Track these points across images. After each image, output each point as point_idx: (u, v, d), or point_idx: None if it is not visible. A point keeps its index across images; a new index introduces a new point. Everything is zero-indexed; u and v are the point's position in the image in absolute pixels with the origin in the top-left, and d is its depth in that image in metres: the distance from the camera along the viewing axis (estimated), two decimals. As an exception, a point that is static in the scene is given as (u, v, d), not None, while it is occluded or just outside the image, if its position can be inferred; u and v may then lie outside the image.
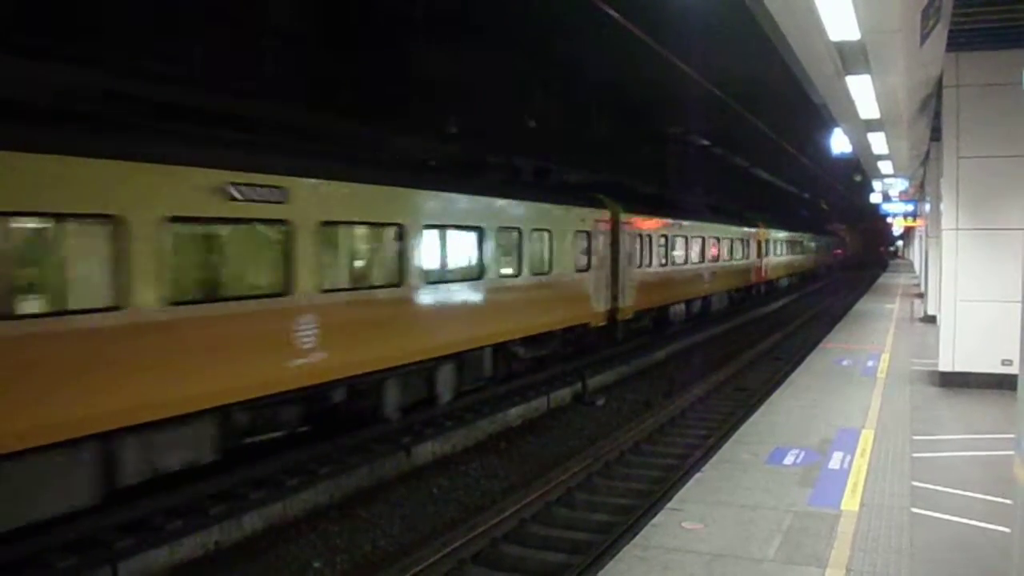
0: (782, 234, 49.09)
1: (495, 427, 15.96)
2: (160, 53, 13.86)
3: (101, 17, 13.27)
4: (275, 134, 13.09)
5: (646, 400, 18.90)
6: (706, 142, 39.45)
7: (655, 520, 8.68)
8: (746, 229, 39.42)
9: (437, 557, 9.59)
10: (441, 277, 15.23)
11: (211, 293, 10.74)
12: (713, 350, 26.91)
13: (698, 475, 10.32)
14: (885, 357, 19.42)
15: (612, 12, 17.03)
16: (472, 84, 21.79)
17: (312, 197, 12.00)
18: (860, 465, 10.41)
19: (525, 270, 17.95)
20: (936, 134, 20.25)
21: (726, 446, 11.70)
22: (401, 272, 13.98)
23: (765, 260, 43.74)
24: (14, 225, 8.60)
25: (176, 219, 10.02)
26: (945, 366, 15.86)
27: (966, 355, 15.51)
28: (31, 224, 8.91)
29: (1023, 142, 14.55)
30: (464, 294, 15.87)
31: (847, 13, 9.13)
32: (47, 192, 8.68)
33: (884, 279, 59.28)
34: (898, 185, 36.11)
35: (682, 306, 29.49)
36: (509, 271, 17.53)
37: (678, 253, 28.82)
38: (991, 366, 14.77)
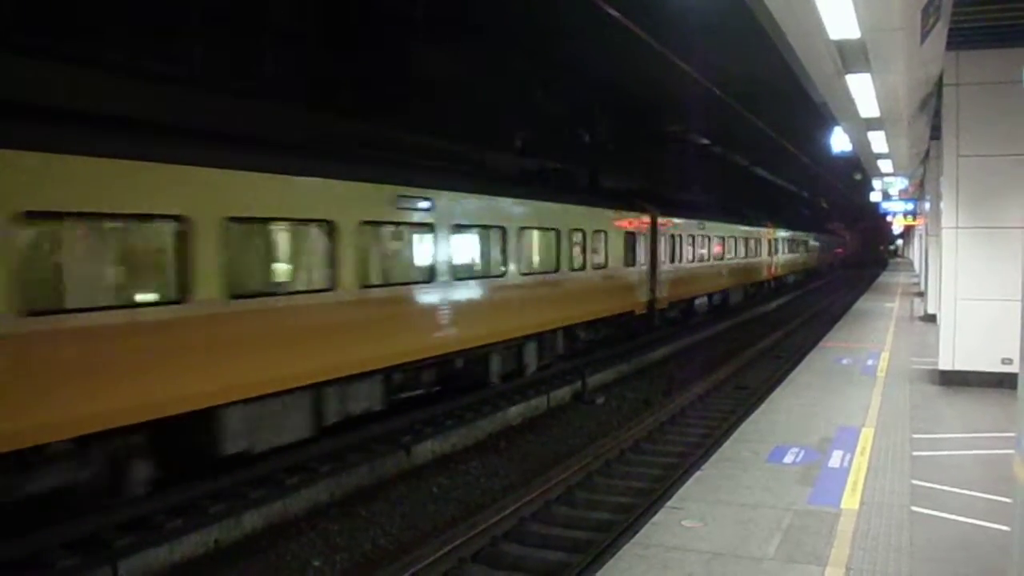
0: (789, 234, 51.88)
1: (495, 426, 15.96)
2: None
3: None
4: (418, 155, 16.20)
5: (646, 399, 18.91)
6: (706, 141, 39.48)
7: (655, 518, 8.68)
8: (759, 230, 42.17)
9: (437, 555, 9.59)
10: (529, 270, 18.43)
11: (385, 279, 13.87)
12: (713, 348, 26.93)
13: (698, 473, 10.32)
14: (885, 356, 19.43)
15: (613, 11, 17.03)
16: (472, 83, 21.80)
17: (448, 207, 15.14)
18: (860, 463, 10.42)
19: (588, 265, 21.21)
20: (936, 132, 20.24)
21: (726, 444, 11.70)
22: (504, 265, 17.17)
23: (775, 258, 46.72)
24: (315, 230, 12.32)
25: (366, 223, 13.04)
26: (945, 365, 15.85)
27: (966, 354, 15.50)
28: (306, 229, 12.30)
29: (1023, 141, 14.55)
30: (545, 285, 19.04)
31: (847, 11, 9.14)
32: (321, 206, 12.26)
33: (884, 278, 59.30)
34: (898, 184, 36.14)
35: (705, 298, 32.79)
36: (577, 266, 20.63)
37: (703, 252, 31.93)
38: (991, 365, 14.77)
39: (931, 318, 24.37)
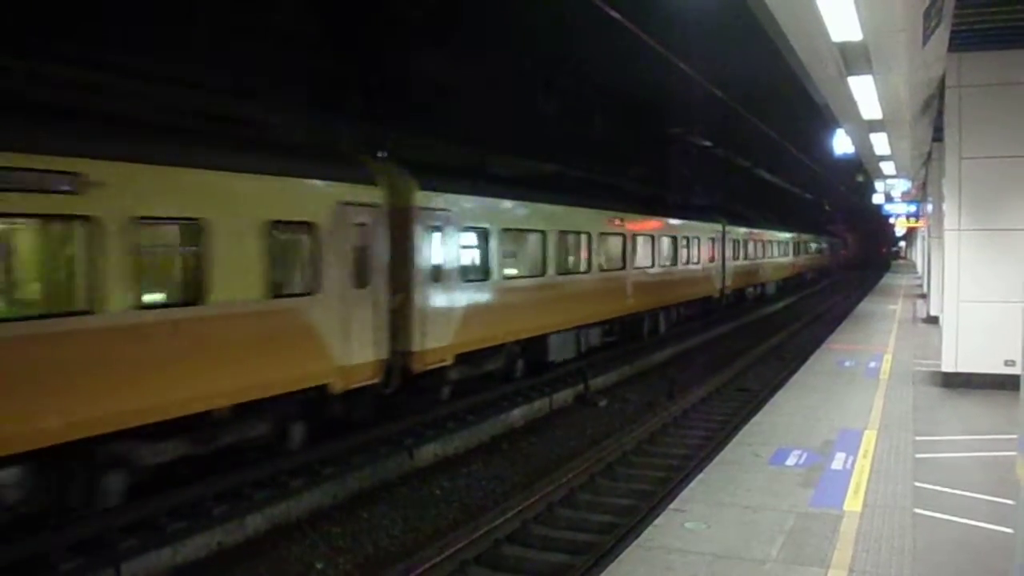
0: (807, 237, 60.33)
1: (497, 428, 15.96)
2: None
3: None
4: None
5: (648, 401, 18.90)
6: (708, 143, 39.48)
7: (658, 521, 8.68)
8: (788, 235, 51.46)
9: (439, 558, 9.58)
10: (660, 263, 26.75)
11: (514, 273, 18.24)
12: (716, 351, 26.92)
13: (701, 476, 10.32)
14: (888, 358, 19.41)
15: (615, 14, 17.04)
16: (474, 85, 21.82)
17: (635, 223, 23.69)
18: (863, 466, 10.41)
19: (690, 262, 30.05)
20: (938, 134, 20.24)
21: (729, 447, 11.70)
22: (652, 261, 25.91)
23: (798, 258, 55.60)
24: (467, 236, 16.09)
25: (506, 230, 17.35)
26: (948, 367, 15.85)
27: (969, 356, 15.50)
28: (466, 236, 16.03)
29: (1025, 142, 14.56)
30: (668, 274, 27.57)
31: (849, 14, 9.16)
32: (470, 220, 16.12)
33: (887, 280, 59.26)
34: (900, 186, 36.14)
35: (751, 289, 41.76)
36: (684, 262, 29.34)
37: (752, 252, 40.58)
38: (994, 367, 14.76)
39: (934, 320, 24.36)
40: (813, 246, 64.04)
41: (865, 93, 13.95)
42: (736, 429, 13.89)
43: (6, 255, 8.71)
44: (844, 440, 11.67)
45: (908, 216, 45.10)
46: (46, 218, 8.90)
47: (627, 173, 32.26)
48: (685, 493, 9.63)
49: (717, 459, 11.09)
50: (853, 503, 8.98)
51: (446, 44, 20.09)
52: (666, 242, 27.17)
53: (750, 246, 40.33)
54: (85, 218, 8.93)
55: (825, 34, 10.03)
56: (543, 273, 18.71)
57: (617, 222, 22.74)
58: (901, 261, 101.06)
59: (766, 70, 21.20)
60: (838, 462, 10.57)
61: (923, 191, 36.76)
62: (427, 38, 20.10)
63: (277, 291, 11.51)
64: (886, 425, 12.61)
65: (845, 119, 18.31)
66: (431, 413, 15.22)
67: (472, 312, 15.80)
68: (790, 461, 10.65)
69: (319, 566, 9.93)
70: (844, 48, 10.91)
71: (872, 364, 18.43)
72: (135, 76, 13.24)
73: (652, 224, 25.81)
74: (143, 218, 9.61)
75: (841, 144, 24.62)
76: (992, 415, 13.54)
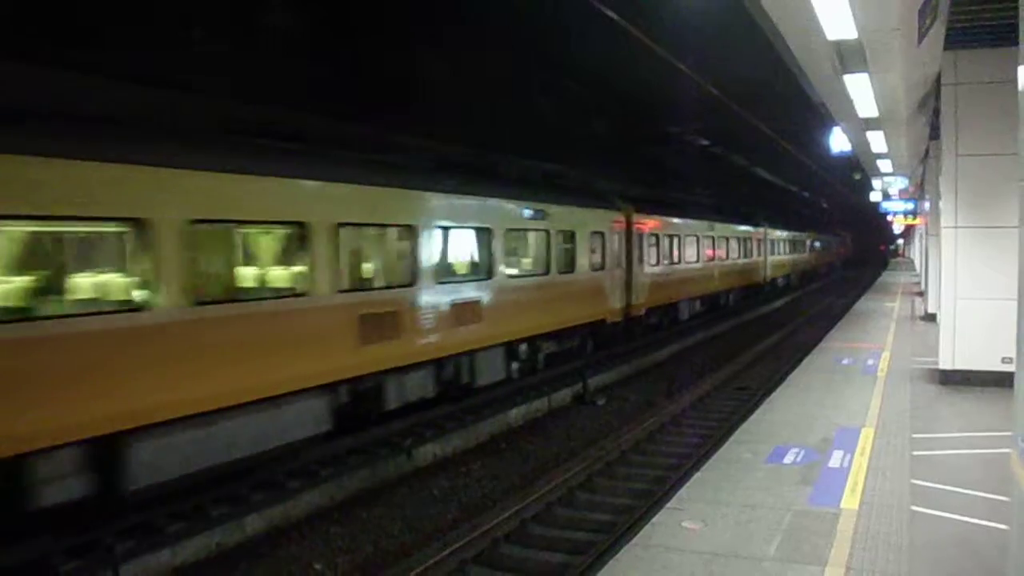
0: (815, 235, 65.72)
1: (496, 428, 15.98)
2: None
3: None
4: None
5: (647, 400, 18.91)
6: (705, 142, 39.52)
7: (655, 519, 8.70)
8: (804, 234, 59.02)
9: (438, 558, 9.61)
10: (730, 259, 35.95)
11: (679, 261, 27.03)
12: (714, 349, 26.94)
13: (698, 475, 10.34)
14: (886, 355, 19.43)
15: (610, 13, 17.05)
16: (470, 85, 21.82)
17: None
18: (860, 464, 10.43)
19: (746, 257, 38.72)
20: (935, 132, 20.26)
21: (726, 445, 11.71)
22: (732, 254, 36.07)
23: (810, 255, 62.35)
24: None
25: (674, 235, 26.88)
26: (945, 364, 15.86)
27: (966, 353, 15.51)
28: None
29: (1022, 139, 14.54)
30: (722, 268, 34.38)
31: (844, 12, 9.15)
32: (659, 231, 25.80)
33: (885, 277, 59.33)
34: (898, 183, 36.09)
35: (782, 279, 49.40)
36: (743, 256, 38.02)
37: (783, 249, 49.26)
38: (991, 364, 14.76)
39: (931, 318, 24.37)
40: (821, 243, 68.47)
41: (861, 91, 13.94)
42: (734, 427, 13.91)
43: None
44: (842, 438, 11.69)
45: (906, 214, 45.06)
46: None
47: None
48: (683, 492, 9.65)
49: (715, 457, 11.11)
50: (850, 501, 9.00)
51: (444, 45, 20.09)
52: (728, 243, 35.55)
53: (786, 245, 46.04)
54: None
55: (820, 32, 10.03)
56: (696, 262, 30.60)
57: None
58: (899, 259, 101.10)
59: (762, 69, 21.19)
60: (835, 460, 10.59)
61: (921, 189, 36.77)
62: (426, 39, 20.10)
63: (593, 268, 21.22)
64: (883, 423, 12.63)
65: (842, 117, 18.29)
66: (429, 413, 15.23)
67: (656, 283, 25.98)
68: (788, 459, 10.66)
69: (318, 567, 9.95)
70: (840, 46, 10.91)
71: (870, 362, 18.44)
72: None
73: (711, 229, 33.11)
74: (561, 231, 19.50)
75: (838, 142, 24.57)
76: (990, 412, 13.55)
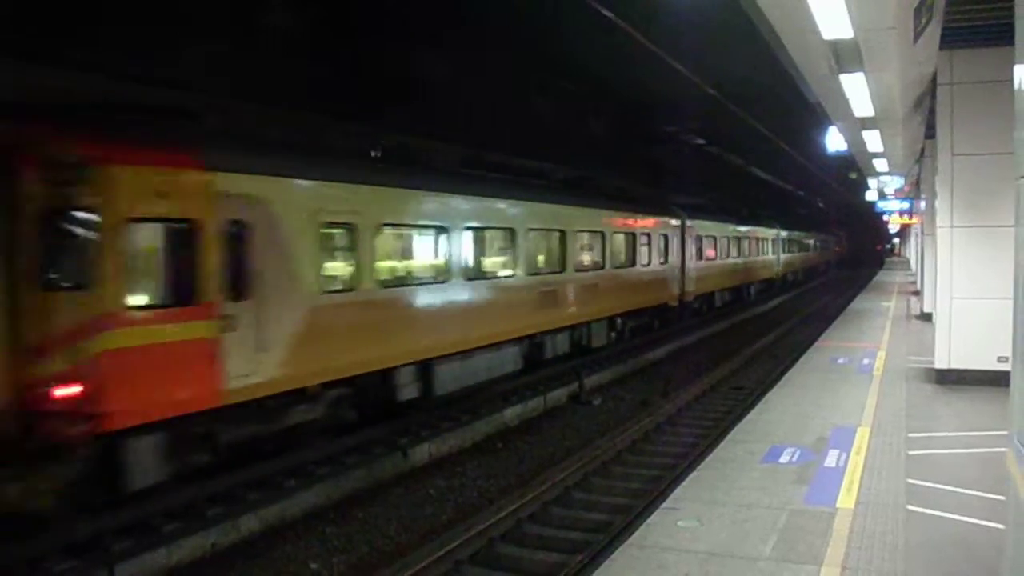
0: (818, 235, 71.54)
1: (492, 428, 15.98)
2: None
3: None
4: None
5: (643, 399, 18.91)
6: (701, 141, 39.55)
7: (651, 519, 8.71)
8: (807, 234, 64.10)
9: (434, 557, 9.60)
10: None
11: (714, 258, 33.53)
12: (710, 349, 26.98)
13: (694, 474, 10.35)
14: (881, 355, 19.44)
15: (607, 12, 17.04)
16: (468, 84, 21.81)
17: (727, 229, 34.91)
18: (856, 463, 10.44)
19: (763, 255, 44.08)
20: (931, 131, 20.26)
21: (722, 445, 11.72)
22: (764, 254, 44.60)
23: (812, 253, 67.84)
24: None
25: (710, 235, 33.01)
26: (941, 363, 15.87)
27: (962, 352, 15.52)
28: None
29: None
30: (747, 264, 39.83)
31: (840, 11, 9.15)
32: (704, 232, 32.29)
33: (881, 276, 59.37)
34: (894, 183, 36.16)
35: (791, 275, 54.82)
36: (761, 255, 43.59)
37: (792, 248, 55.15)
38: (987, 363, 14.77)
39: (927, 317, 24.41)
40: (822, 242, 73.91)
41: (857, 90, 13.94)
42: (730, 427, 13.91)
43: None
44: (837, 437, 11.69)
45: (901, 213, 45.15)
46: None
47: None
48: (679, 491, 9.65)
49: (710, 457, 11.12)
50: (846, 500, 9.00)
51: (442, 45, 20.08)
52: (757, 244, 43.58)
53: (792, 245, 56.13)
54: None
55: (816, 32, 10.03)
56: (726, 258, 35.62)
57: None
58: (895, 258, 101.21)
59: (759, 68, 21.19)
60: (831, 459, 10.60)
61: (916, 188, 36.80)
62: (424, 39, 20.09)
63: (661, 264, 26.71)
64: (879, 422, 12.65)
65: (837, 117, 18.30)
66: (425, 415, 15.23)
67: (700, 276, 31.03)
68: (783, 459, 10.67)
69: (314, 566, 9.95)
70: (836, 46, 10.92)
71: (866, 361, 18.46)
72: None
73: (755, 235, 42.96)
74: (644, 233, 25.42)
75: (834, 141, 24.58)
76: (986, 411, 13.55)
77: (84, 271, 9.41)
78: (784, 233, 51.30)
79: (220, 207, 10.38)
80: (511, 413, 16.77)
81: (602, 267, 21.94)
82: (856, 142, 22.59)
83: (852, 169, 37.59)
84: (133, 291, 9.68)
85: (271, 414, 11.48)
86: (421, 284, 14.83)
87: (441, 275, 15.17)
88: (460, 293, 15.54)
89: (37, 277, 9.54)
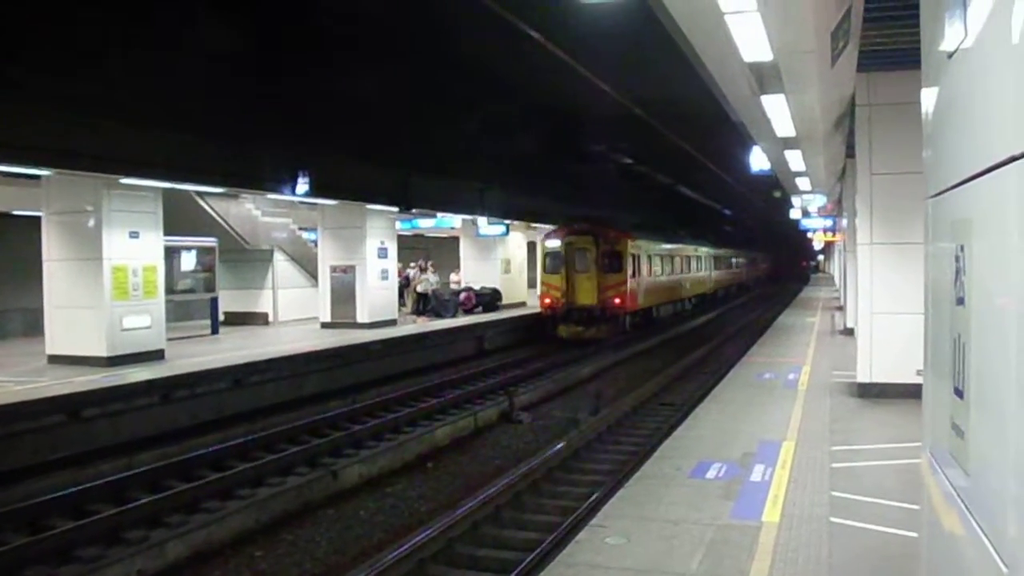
0: (746, 252, 76.54)
1: (423, 447, 15.93)
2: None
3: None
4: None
5: (573, 417, 18.98)
6: (630, 160, 40.00)
7: (580, 536, 8.73)
8: (742, 251, 72.42)
9: (364, 579, 9.54)
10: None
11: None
12: (639, 365, 27.20)
13: (623, 491, 10.41)
14: (806, 369, 19.76)
15: (535, 34, 17.21)
16: (397, 105, 21.82)
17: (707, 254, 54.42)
18: (781, 477, 10.60)
19: (715, 272, 56.54)
20: (851, 151, 20.71)
21: (651, 461, 11.80)
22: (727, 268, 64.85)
23: (745, 270, 74.35)
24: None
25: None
26: (863, 377, 16.18)
27: (882, 366, 15.83)
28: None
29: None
30: (696, 277, 51.94)
31: (760, 35, 9.36)
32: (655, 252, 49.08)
33: (806, 292, 60.39)
34: (817, 201, 36.84)
35: (722, 292, 59.90)
36: (723, 270, 60.54)
37: (733, 265, 65.80)
38: (906, 376, 15.02)
39: (851, 332, 24.88)
40: (752, 260, 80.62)
41: (778, 111, 14.25)
42: (658, 443, 14.03)
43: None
44: (763, 452, 11.86)
45: (825, 230, 46.12)
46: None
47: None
48: (607, 508, 9.69)
49: (639, 474, 11.20)
50: (772, 514, 9.13)
51: (368, 65, 20.06)
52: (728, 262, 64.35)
53: (735, 263, 69.32)
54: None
55: (737, 55, 10.24)
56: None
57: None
58: (821, 274, 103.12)
59: (685, 89, 21.54)
60: (757, 474, 10.74)
61: (839, 206, 37.56)
62: (351, 59, 20.05)
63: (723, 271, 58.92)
64: (804, 436, 12.85)
65: (760, 137, 18.67)
66: (355, 433, 15.15)
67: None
68: (710, 474, 10.79)
69: (241, 591, 9.82)
70: (756, 68, 11.16)
71: (791, 376, 18.75)
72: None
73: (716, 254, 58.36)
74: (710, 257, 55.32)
75: (758, 161, 25.02)
76: (905, 424, 13.83)
77: (616, 267, 33.13)
78: (713, 251, 55.22)
79: (633, 248, 34.02)
80: (441, 432, 16.73)
81: (702, 272, 50.55)
82: (779, 161, 23.03)
83: (776, 188, 38.23)
84: (619, 271, 33.33)
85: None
86: (666, 276, 40.20)
87: (671, 272, 40.66)
88: (673, 279, 41.55)
89: (602, 269, 32.92)
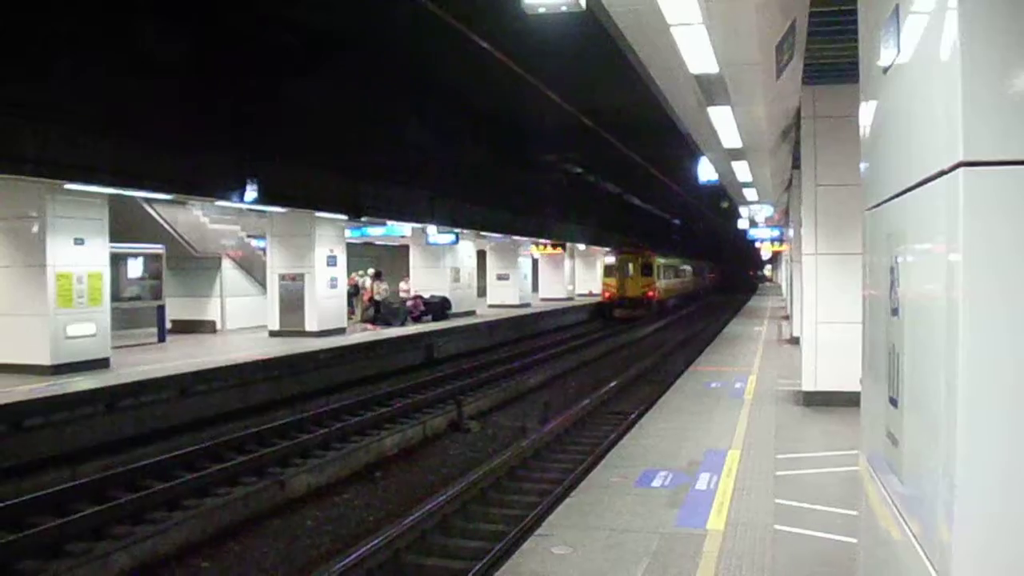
0: (694, 262, 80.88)
1: (371, 456, 15.85)
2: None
3: None
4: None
5: (521, 425, 19.01)
6: (579, 169, 40.18)
7: (525, 546, 8.73)
8: (690, 260, 76.35)
9: (310, 590, 9.47)
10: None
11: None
12: (589, 374, 27.28)
13: (569, 500, 10.43)
14: (753, 378, 19.94)
15: (484, 44, 17.24)
16: (346, 113, 21.73)
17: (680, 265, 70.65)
18: (726, 485, 10.68)
19: (663, 281, 59.09)
20: (797, 162, 20.98)
21: (597, 470, 11.84)
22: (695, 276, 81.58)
23: (693, 279, 78.36)
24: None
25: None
26: (808, 386, 16.33)
27: (827, 375, 15.98)
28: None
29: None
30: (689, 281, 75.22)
31: (705, 47, 9.46)
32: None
33: (754, 302, 61.08)
34: (764, 211, 37.28)
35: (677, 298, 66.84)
36: (672, 279, 64.40)
37: (681, 274, 69.51)
38: (850, 385, 15.09)
39: (796, 341, 25.15)
40: (699, 269, 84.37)
41: (725, 123, 14.40)
42: (605, 452, 14.09)
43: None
44: (709, 460, 11.95)
45: (772, 240, 46.69)
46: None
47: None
48: (553, 517, 9.70)
49: (585, 482, 11.23)
50: (716, 522, 9.21)
51: (317, 72, 19.98)
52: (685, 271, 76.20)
53: (692, 271, 78.13)
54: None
55: (683, 67, 10.35)
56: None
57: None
58: (768, 284, 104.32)
59: (633, 99, 21.70)
60: (703, 482, 10.82)
61: (786, 216, 38.03)
62: (298, 66, 19.96)
63: (693, 277, 76.36)
64: (749, 444, 12.98)
65: (707, 147, 18.84)
66: (302, 442, 15.05)
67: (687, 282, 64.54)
68: (656, 482, 10.85)
69: (185, 603, 9.70)
70: (702, 80, 11.27)
71: (738, 385, 18.91)
72: None
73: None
74: (691, 268, 78.22)
75: (705, 171, 25.23)
76: (849, 432, 13.98)
77: (648, 273, 53.36)
78: (662, 260, 58.43)
79: (657, 262, 54.42)
80: (390, 441, 16.67)
81: (686, 277, 68.56)
82: (726, 172, 23.26)
83: (724, 198, 38.60)
84: (650, 275, 53.36)
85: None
86: (671, 279, 60.63)
87: (676, 275, 63.77)
88: (676, 280, 63.51)
89: (641, 274, 53.24)
